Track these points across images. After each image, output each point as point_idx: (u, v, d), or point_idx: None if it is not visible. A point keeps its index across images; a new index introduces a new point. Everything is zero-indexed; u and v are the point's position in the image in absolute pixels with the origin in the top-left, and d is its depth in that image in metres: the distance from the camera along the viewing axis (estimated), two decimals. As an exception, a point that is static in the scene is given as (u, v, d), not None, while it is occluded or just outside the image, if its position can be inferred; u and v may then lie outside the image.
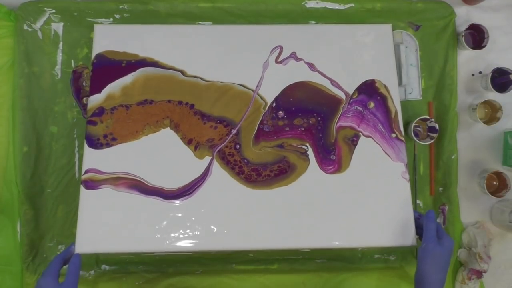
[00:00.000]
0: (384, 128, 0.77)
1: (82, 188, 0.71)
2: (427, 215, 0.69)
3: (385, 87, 0.78)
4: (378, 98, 0.78)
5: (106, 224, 0.70)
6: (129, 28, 0.79)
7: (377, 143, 0.77)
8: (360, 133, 0.77)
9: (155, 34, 0.78)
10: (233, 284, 0.81)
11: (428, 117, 0.80)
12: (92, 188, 0.71)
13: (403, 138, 0.76)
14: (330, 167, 0.76)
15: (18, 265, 0.78)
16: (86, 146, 0.73)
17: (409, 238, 0.72)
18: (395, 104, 0.78)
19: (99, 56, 0.77)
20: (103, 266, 0.79)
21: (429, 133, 0.82)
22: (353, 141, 0.77)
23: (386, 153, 0.76)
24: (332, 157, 0.76)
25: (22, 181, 0.77)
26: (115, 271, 0.79)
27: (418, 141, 0.79)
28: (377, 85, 0.79)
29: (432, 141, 0.80)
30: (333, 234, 0.72)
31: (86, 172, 0.72)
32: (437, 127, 0.79)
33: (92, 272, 0.79)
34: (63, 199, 0.80)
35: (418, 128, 0.83)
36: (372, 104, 0.78)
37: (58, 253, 0.78)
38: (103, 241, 0.70)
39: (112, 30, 0.78)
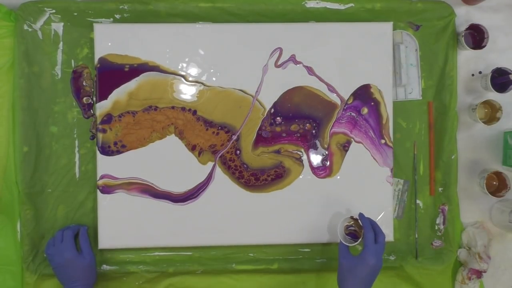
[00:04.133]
0: (375, 134, 0.81)
1: (98, 193, 0.78)
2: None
3: (380, 92, 0.81)
4: (372, 104, 0.81)
5: (122, 224, 0.78)
6: (129, 28, 0.79)
7: (367, 149, 0.81)
8: (352, 139, 0.81)
9: (155, 34, 0.79)
10: (233, 284, 0.81)
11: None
12: (108, 192, 0.78)
13: (391, 144, 0.80)
14: (322, 172, 0.81)
15: (18, 265, 0.78)
16: (98, 153, 0.78)
17: (389, 235, 0.80)
18: (388, 109, 0.81)
19: (102, 60, 0.78)
20: (103, 266, 0.79)
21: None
22: (344, 147, 0.81)
23: (374, 158, 0.81)
24: (325, 162, 0.80)
25: (22, 181, 0.77)
26: (115, 271, 0.79)
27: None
28: (372, 90, 0.81)
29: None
30: (322, 231, 0.80)
31: (101, 177, 0.78)
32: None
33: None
34: (63, 199, 0.80)
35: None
36: (365, 110, 0.81)
37: None
38: (121, 238, 0.79)
39: (112, 30, 0.78)
